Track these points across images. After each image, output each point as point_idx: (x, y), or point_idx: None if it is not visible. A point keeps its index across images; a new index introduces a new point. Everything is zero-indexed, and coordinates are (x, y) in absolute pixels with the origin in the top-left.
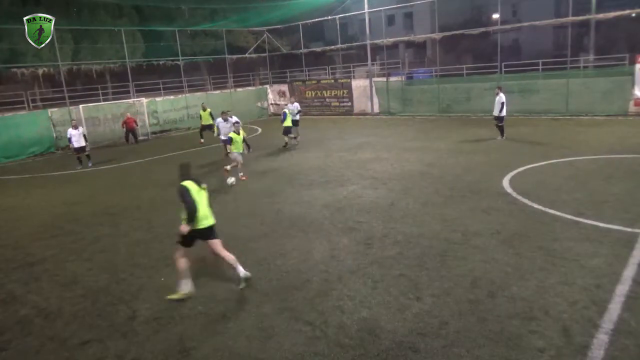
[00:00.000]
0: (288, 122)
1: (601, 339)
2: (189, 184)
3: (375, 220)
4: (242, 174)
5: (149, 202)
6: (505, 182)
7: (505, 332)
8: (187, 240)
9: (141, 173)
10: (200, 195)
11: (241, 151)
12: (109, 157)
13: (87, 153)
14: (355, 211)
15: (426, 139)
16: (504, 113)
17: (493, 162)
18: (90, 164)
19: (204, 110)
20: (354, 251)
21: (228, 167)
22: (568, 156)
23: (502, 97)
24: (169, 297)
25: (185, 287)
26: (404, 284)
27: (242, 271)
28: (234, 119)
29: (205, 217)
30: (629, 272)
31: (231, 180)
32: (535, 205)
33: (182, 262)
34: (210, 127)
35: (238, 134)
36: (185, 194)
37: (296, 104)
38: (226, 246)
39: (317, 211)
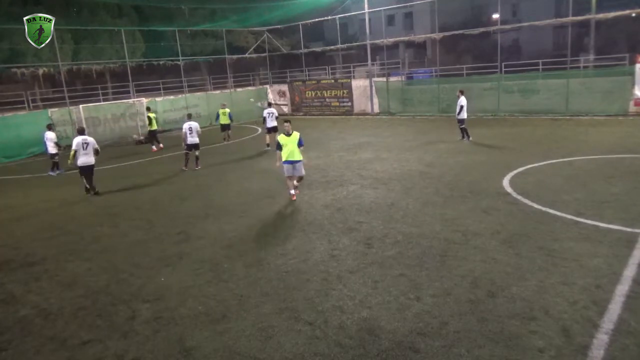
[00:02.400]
0: (222, 120)
1: (601, 339)
2: None
3: (375, 220)
4: (293, 192)
5: (149, 202)
6: (505, 182)
7: (505, 332)
8: None
9: (141, 172)
10: None
11: (296, 159)
12: (109, 158)
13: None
14: (355, 211)
15: (426, 139)
16: (464, 115)
17: (493, 162)
18: (61, 171)
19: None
20: (354, 251)
21: (293, 192)
22: (568, 156)
23: (462, 100)
24: None
25: None
26: (404, 284)
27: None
28: (89, 139)
29: None
30: (629, 272)
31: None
32: (535, 206)
33: None
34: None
35: (288, 135)
36: None
37: (267, 110)
38: (226, 246)
39: (317, 211)
